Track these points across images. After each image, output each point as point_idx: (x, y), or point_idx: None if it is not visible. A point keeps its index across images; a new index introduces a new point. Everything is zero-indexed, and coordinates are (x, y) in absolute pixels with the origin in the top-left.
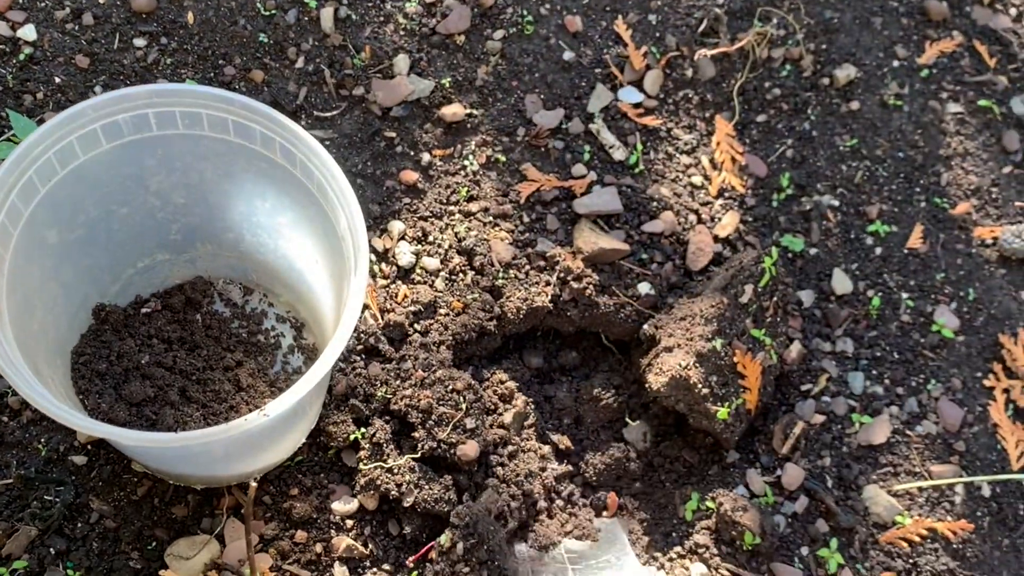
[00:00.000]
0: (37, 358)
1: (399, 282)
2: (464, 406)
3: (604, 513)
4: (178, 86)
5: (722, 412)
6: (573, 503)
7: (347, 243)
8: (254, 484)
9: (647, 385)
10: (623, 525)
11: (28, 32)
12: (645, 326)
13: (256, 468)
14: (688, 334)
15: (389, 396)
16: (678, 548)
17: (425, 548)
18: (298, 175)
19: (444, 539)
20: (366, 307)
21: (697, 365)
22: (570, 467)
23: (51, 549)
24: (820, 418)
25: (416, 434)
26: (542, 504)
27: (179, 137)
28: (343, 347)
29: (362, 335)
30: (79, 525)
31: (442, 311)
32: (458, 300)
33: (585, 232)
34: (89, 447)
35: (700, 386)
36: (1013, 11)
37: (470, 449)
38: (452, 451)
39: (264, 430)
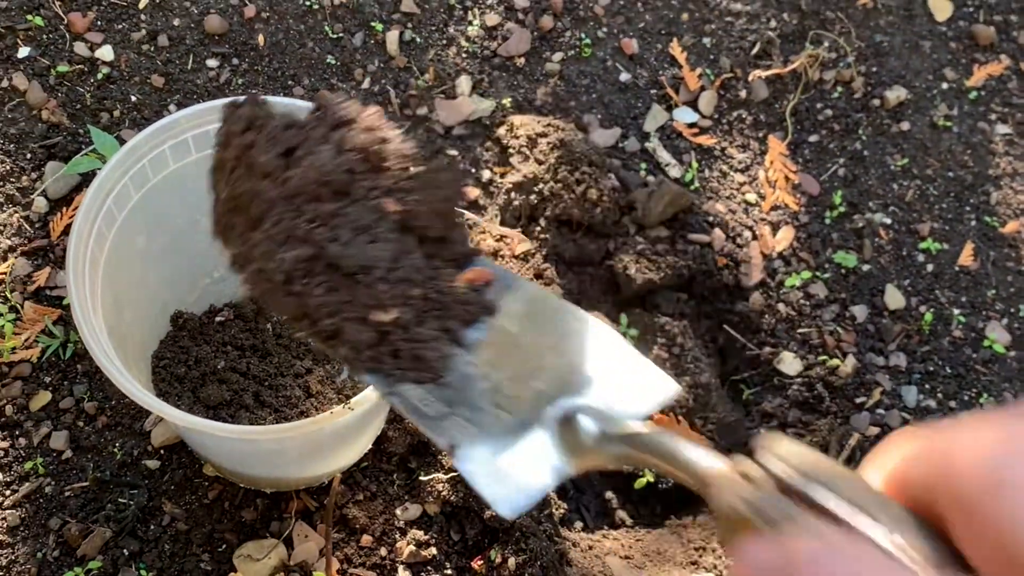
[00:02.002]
0: (126, 359)
1: None
2: None
3: None
4: (268, 99)
5: None
6: None
7: None
8: (338, 476)
9: None
10: None
11: (106, 52)
12: None
13: (327, 471)
14: None
15: None
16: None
17: (486, 551)
18: None
19: (494, 554)
20: None
21: None
22: None
23: (124, 550)
24: (875, 430)
25: None
26: None
27: None
28: None
29: None
30: (151, 527)
31: None
32: None
33: None
34: (162, 452)
35: None
36: None
37: None
38: None
39: (340, 429)
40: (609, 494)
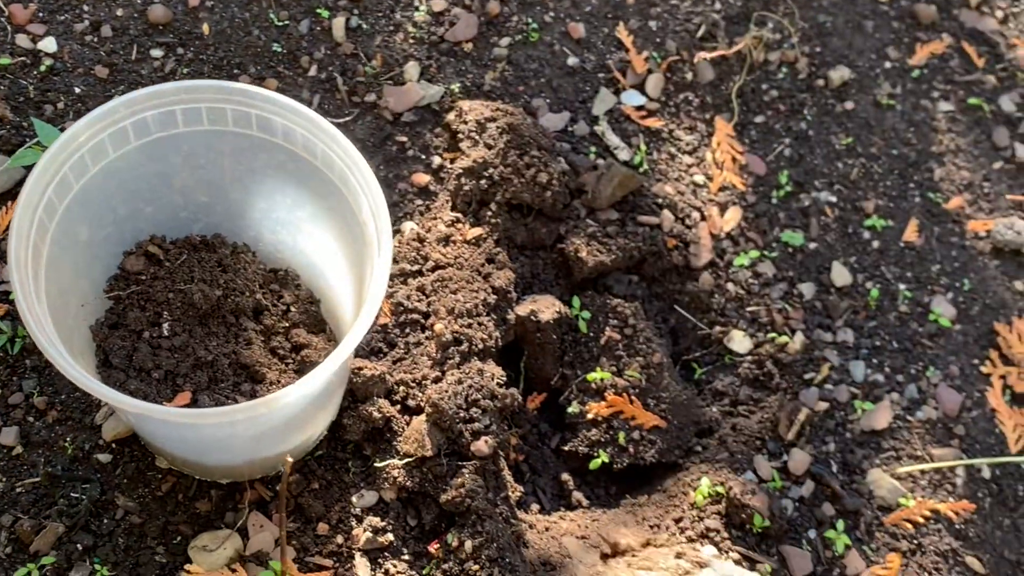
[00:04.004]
0: (72, 350)
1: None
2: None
3: None
4: (206, 82)
5: None
6: None
7: (369, 227)
8: (290, 460)
9: None
10: None
11: (49, 44)
12: None
13: (279, 452)
14: None
15: (404, 389)
16: (689, 532)
17: (443, 536)
18: (319, 166)
19: (451, 538)
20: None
21: None
22: None
23: (78, 545)
24: (824, 405)
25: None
26: None
27: (203, 134)
28: (369, 324)
29: (375, 331)
30: (105, 521)
31: None
32: None
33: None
34: (114, 445)
35: None
36: (1000, 13)
37: (483, 445)
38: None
39: (290, 411)
40: (565, 476)
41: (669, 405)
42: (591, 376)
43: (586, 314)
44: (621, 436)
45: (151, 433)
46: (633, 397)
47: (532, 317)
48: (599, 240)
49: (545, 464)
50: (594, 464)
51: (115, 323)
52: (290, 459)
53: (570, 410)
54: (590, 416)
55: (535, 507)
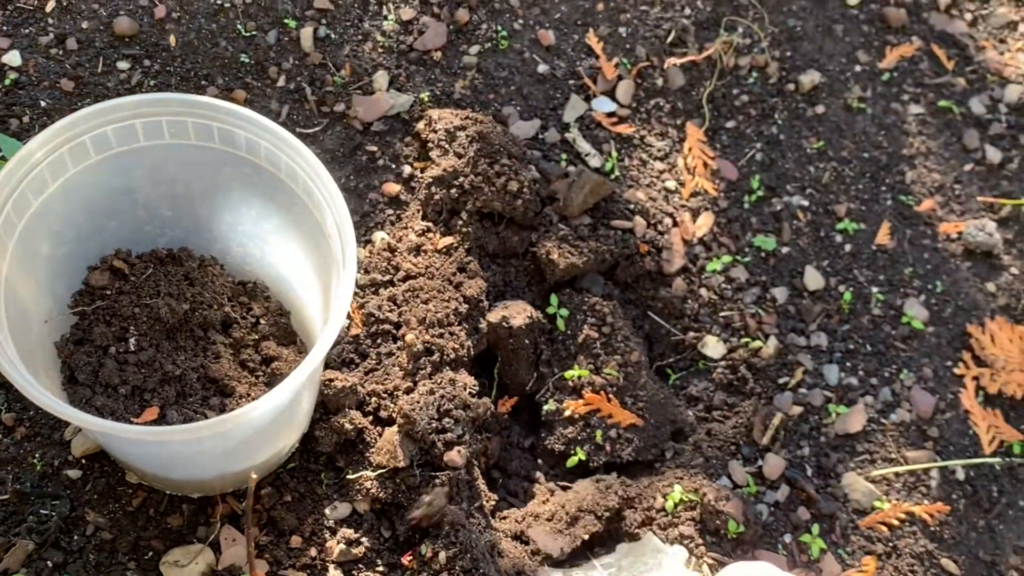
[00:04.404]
0: (35, 369)
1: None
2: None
3: None
4: (165, 95)
5: None
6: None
7: (335, 239)
8: (255, 476)
9: None
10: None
11: (13, 58)
12: None
13: (249, 467)
14: None
15: (376, 400)
16: (661, 536)
17: (417, 547)
18: (283, 178)
19: (425, 549)
20: (349, 317)
21: None
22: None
23: (48, 562)
24: (798, 409)
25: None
26: None
27: (165, 147)
28: (333, 338)
29: (346, 343)
30: (75, 538)
31: None
32: None
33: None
34: (83, 461)
35: None
36: (969, 16)
37: (456, 456)
38: (440, 455)
39: (258, 425)
40: (538, 474)
41: (646, 404)
42: (568, 374)
43: (564, 312)
44: (598, 434)
45: (118, 450)
46: (611, 395)
47: (504, 323)
48: (571, 243)
49: (520, 465)
50: (571, 461)
51: (81, 339)
52: (255, 476)
53: (547, 407)
54: (567, 414)
55: (511, 511)
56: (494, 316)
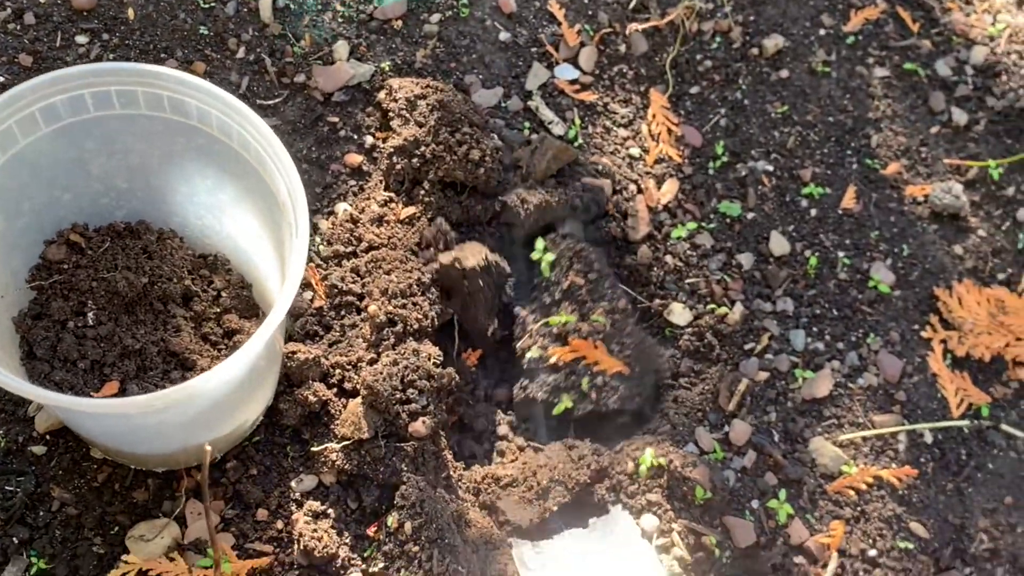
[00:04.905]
0: None
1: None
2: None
3: None
4: (113, 64)
5: None
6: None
7: (288, 209)
8: (208, 448)
9: None
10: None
11: None
12: None
13: (215, 439)
14: None
15: (340, 372)
16: (631, 504)
17: (383, 518)
18: (236, 147)
19: (391, 520)
20: (309, 286)
21: None
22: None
23: (14, 539)
24: (764, 375)
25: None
26: None
27: (116, 118)
28: (287, 307)
29: (310, 315)
30: (41, 514)
31: None
32: None
33: None
34: (48, 437)
35: None
36: None
37: (421, 426)
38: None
39: (220, 394)
40: (503, 429)
41: (633, 351)
42: (553, 320)
43: (550, 256)
44: (584, 382)
45: (80, 425)
46: (597, 343)
47: (456, 265)
48: (540, 193)
49: (488, 421)
50: (557, 409)
51: (38, 314)
52: (208, 447)
53: (530, 355)
54: (552, 361)
55: (477, 467)
56: (445, 258)
